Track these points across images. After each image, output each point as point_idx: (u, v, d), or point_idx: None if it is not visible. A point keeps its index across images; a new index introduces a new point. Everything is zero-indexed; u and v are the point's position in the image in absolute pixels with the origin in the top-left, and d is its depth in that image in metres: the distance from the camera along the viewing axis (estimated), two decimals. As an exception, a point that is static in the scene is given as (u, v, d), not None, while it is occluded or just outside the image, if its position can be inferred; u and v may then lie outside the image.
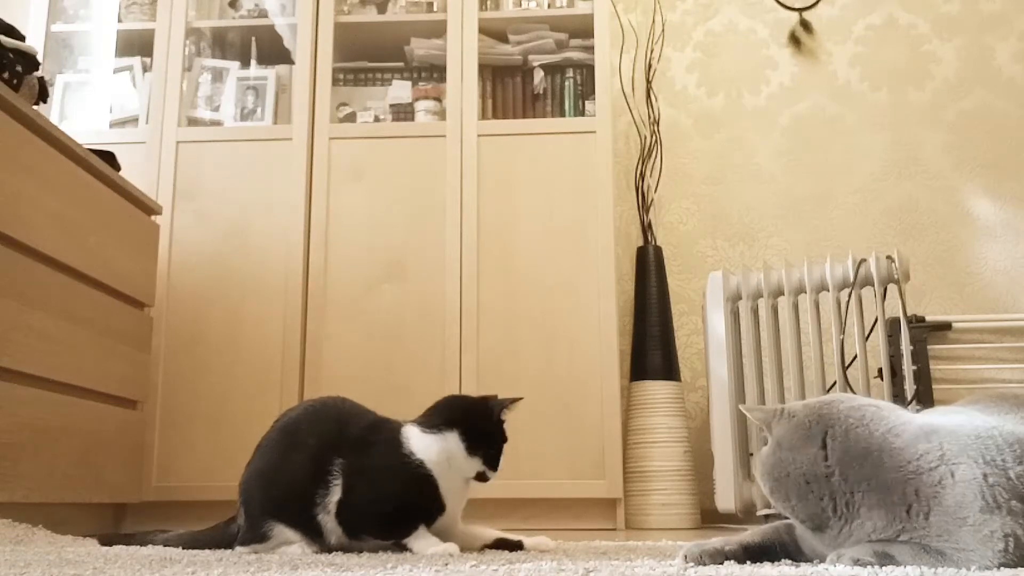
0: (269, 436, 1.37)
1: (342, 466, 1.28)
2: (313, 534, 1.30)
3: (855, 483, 0.96)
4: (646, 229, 3.00)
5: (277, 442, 1.35)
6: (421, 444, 1.29)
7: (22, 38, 2.03)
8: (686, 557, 1.04)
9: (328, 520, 1.28)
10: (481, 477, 1.32)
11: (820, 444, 0.99)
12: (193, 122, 2.84)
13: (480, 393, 1.40)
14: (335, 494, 1.28)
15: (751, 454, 2.42)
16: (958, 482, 0.93)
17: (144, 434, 2.38)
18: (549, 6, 2.91)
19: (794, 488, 0.98)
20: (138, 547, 1.40)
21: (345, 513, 1.28)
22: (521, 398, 1.38)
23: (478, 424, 1.32)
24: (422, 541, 1.27)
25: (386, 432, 1.32)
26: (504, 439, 1.34)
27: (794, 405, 1.05)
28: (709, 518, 2.72)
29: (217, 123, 2.85)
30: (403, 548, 1.28)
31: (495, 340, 2.58)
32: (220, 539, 1.38)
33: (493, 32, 2.89)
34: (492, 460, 1.32)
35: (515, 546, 1.34)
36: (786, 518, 1.05)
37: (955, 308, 2.97)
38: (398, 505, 1.27)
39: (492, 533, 1.36)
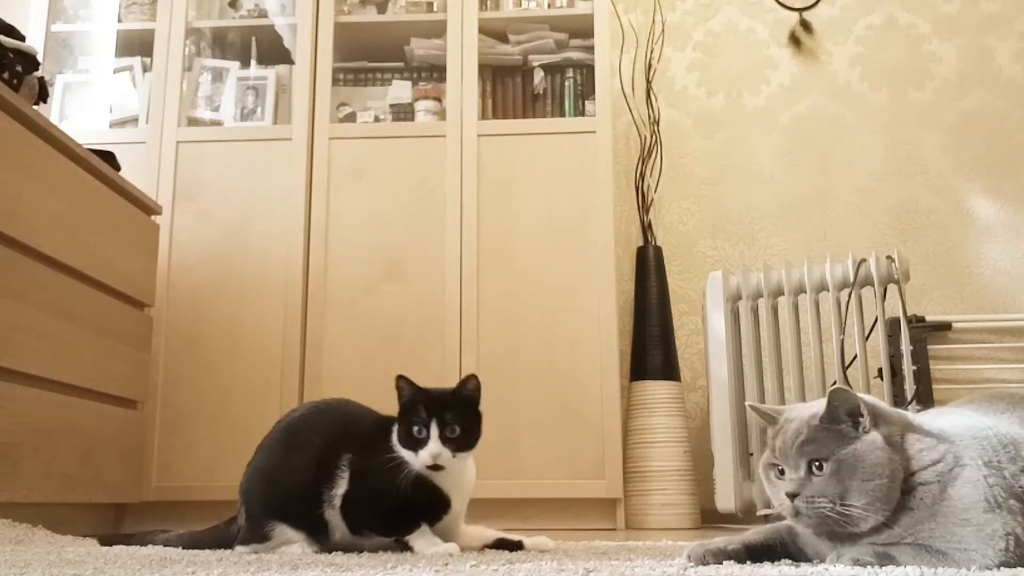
0: (271, 436, 1.37)
1: (349, 461, 1.29)
2: (316, 532, 1.30)
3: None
4: (646, 229, 3.00)
5: (279, 442, 1.35)
6: None
7: (22, 38, 2.03)
8: (690, 556, 1.04)
9: (333, 515, 1.28)
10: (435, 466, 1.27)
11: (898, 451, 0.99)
12: (193, 122, 2.84)
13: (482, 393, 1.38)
14: (341, 488, 1.28)
15: (751, 454, 2.42)
16: (963, 484, 0.93)
17: (144, 434, 2.38)
18: (549, 6, 2.91)
19: (896, 491, 0.95)
20: (138, 547, 1.40)
21: (349, 508, 1.28)
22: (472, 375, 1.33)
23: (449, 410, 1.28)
24: (423, 540, 1.27)
25: (391, 430, 1.32)
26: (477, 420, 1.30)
27: (801, 407, 1.05)
28: (709, 518, 2.72)
29: (217, 123, 2.85)
30: (404, 546, 1.28)
31: (495, 340, 2.58)
32: (220, 539, 1.38)
33: (493, 32, 2.89)
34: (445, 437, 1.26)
35: (515, 546, 1.34)
36: (786, 518, 1.05)
37: (955, 308, 2.97)
38: (402, 503, 1.27)
39: (492, 533, 1.36)
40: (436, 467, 1.26)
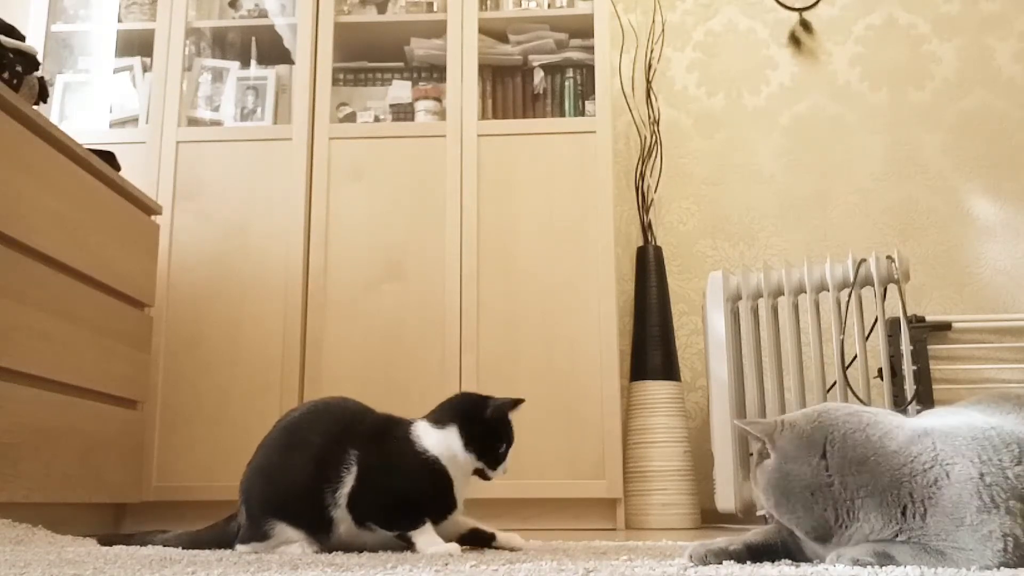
0: (271, 435, 1.37)
1: (357, 457, 1.30)
2: (316, 531, 1.30)
3: (854, 489, 0.96)
4: (646, 229, 3.00)
5: (279, 441, 1.35)
6: (430, 440, 1.32)
7: (22, 38, 2.03)
8: (691, 556, 1.04)
9: (339, 513, 1.29)
10: (481, 474, 1.35)
11: (821, 453, 0.99)
12: (193, 122, 2.84)
13: (482, 393, 1.40)
14: (347, 484, 1.28)
15: (751, 454, 2.41)
16: (954, 482, 0.93)
17: (144, 434, 2.38)
18: (549, 6, 2.91)
19: (799, 500, 0.98)
20: (138, 547, 1.40)
21: (356, 501, 1.28)
22: (523, 400, 1.39)
23: (474, 419, 1.34)
24: (425, 538, 1.28)
25: (398, 428, 1.34)
26: (505, 439, 1.35)
27: (793, 416, 1.05)
28: (709, 518, 2.72)
29: (217, 123, 2.85)
30: (406, 541, 1.29)
31: (495, 340, 2.58)
32: (220, 538, 1.38)
33: (493, 32, 2.89)
34: (490, 458, 1.33)
35: (488, 538, 1.36)
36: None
37: (955, 308, 2.97)
38: (410, 498, 1.28)
39: (468, 522, 1.38)
40: (487, 477, 1.35)
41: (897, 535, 0.95)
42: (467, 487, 1.35)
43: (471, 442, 1.32)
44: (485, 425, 1.34)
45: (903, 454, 0.96)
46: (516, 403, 1.36)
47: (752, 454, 2.52)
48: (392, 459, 1.29)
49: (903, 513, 0.94)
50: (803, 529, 1.00)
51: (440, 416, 1.35)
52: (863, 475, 0.96)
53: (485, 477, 1.35)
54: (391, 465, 1.29)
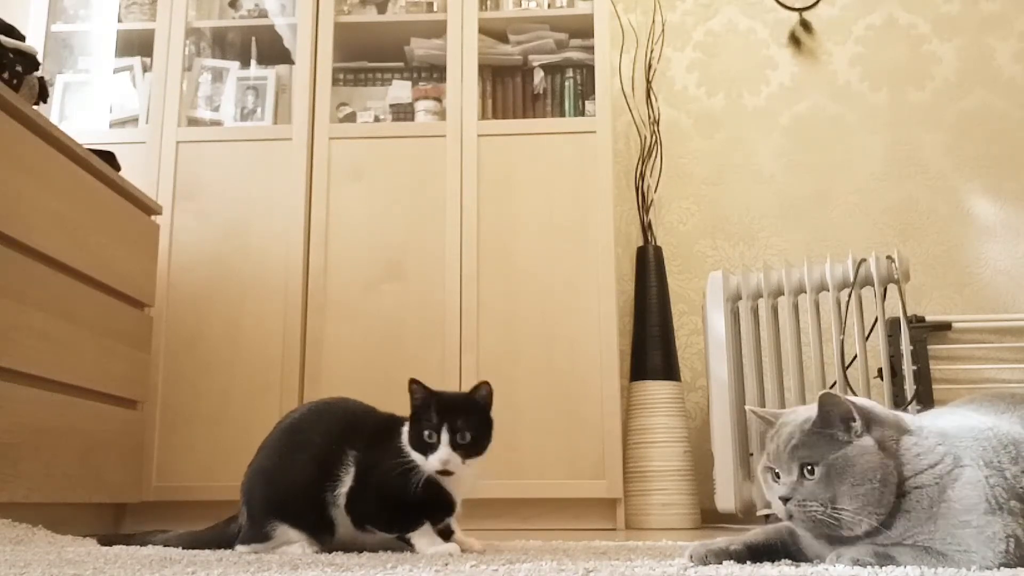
0: (272, 436, 1.37)
1: (355, 458, 1.29)
2: (317, 532, 1.30)
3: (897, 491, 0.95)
4: (646, 229, 3.00)
5: (280, 442, 1.35)
6: None
7: (22, 38, 2.03)
8: (692, 556, 1.04)
9: (338, 513, 1.29)
10: (444, 473, 1.28)
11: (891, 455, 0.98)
12: (193, 122, 2.84)
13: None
14: (346, 485, 1.28)
15: (751, 454, 2.42)
16: (964, 485, 0.93)
17: (144, 434, 2.38)
18: (549, 6, 2.91)
19: (889, 495, 0.96)
20: (138, 547, 1.40)
21: (354, 503, 1.28)
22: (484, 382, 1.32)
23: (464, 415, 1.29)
24: (425, 539, 1.27)
25: (399, 428, 1.32)
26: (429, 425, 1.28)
27: (802, 409, 1.05)
28: (709, 518, 2.72)
29: (217, 123, 2.85)
30: (406, 543, 1.28)
31: (495, 340, 2.58)
32: (220, 539, 1.38)
33: (493, 32, 2.89)
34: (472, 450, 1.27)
35: (449, 533, 1.33)
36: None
37: (955, 308, 2.97)
38: (407, 500, 1.27)
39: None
40: (445, 472, 1.26)
41: (906, 538, 0.94)
42: (465, 488, 1.33)
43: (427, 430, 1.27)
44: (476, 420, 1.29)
45: (933, 455, 0.96)
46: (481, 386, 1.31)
47: (752, 454, 2.52)
48: (389, 459, 1.28)
49: (909, 517, 0.94)
50: (868, 524, 0.94)
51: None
52: (907, 471, 0.95)
53: (447, 473, 1.27)
54: (389, 465, 1.28)
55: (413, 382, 1.29)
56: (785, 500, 0.98)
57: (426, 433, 1.25)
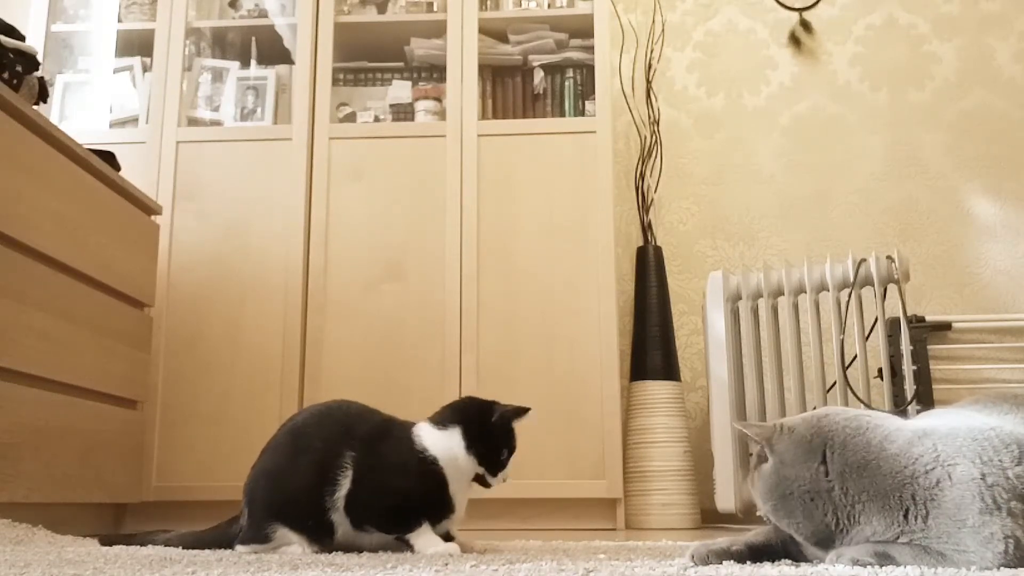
0: (276, 439, 1.37)
1: (353, 459, 1.29)
2: (317, 535, 1.30)
3: (855, 494, 0.96)
4: (646, 229, 3.00)
5: (284, 445, 1.35)
6: (431, 440, 1.31)
7: (22, 38, 2.03)
8: (693, 556, 1.04)
9: (338, 516, 1.29)
10: (481, 481, 1.33)
11: (820, 458, 0.99)
12: (193, 122, 2.84)
13: (479, 393, 1.40)
14: (344, 487, 1.28)
15: (751, 454, 2.42)
16: (956, 483, 0.93)
17: (144, 434, 2.38)
18: (549, 6, 2.91)
19: (799, 505, 0.98)
20: (138, 547, 1.40)
21: (353, 504, 1.28)
22: (529, 409, 1.37)
23: (478, 422, 1.32)
24: (424, 539, 1.27)
25: (398, 429, 1.33)
26: (507, 446, 1.33)
27: (792, 420, 1.05)
28: (709, 518, 2.72)
29: (217, 123, 2.85)
30: (405, 544, 1.28)
31: (495, 340, 2.58)
32: (222, 539, 1.38)
33: (493, 32, 2.89)
34: (491, 464, 1.32)
35: (449, 539, 1.34)
36: None
37: (955, 308, 2.97)
38: (406, 500, 1.27)
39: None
40: (487, 484, 1.33)
41: (899, 537, 0.94)
42: (467, 491, 1.33)
43: (472, 445, 1.31)
44: (489, 430, 1.33)
45: (904, 456, 0.96)
46: (521, 411, 1.35)
47: (752, 455, 2.53)
48: (388, 460, 1.28)
49: (905, 515, 0.94)
50: (802, 534, 1.00)
51: (443, 418, 1.34)
52: (864, 479, 0.96)
53: (485, 484, 1.33)
54: (387, 465, 1.28)
55: (496, 405, 1.36)
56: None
57: (505, 453, 1.33)
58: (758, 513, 1.07)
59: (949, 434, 0.98)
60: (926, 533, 0.93)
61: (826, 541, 0.99)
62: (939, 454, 0.95)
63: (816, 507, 0.97)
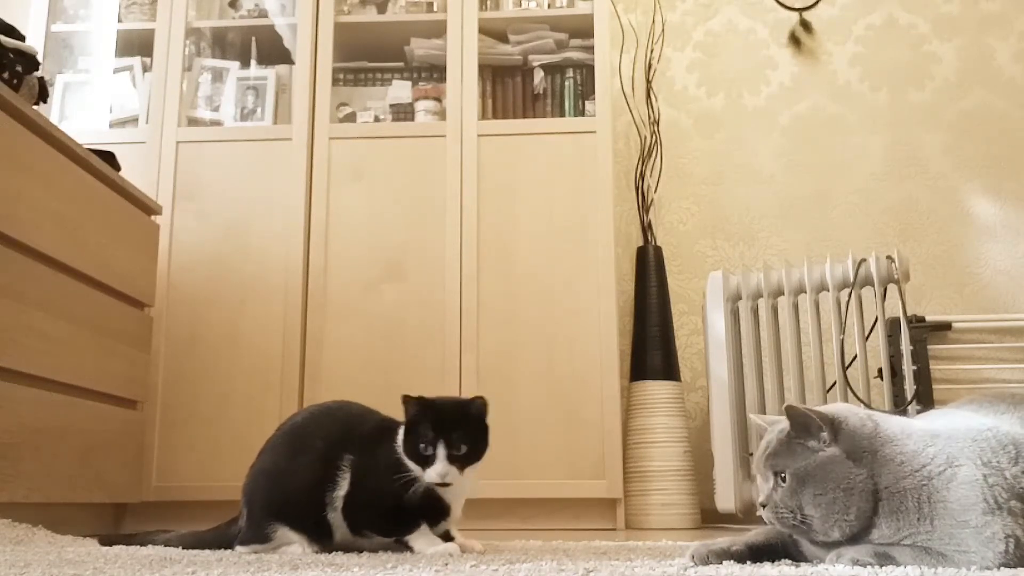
0: (274, 439, 1.37)
1: (351, 462, 1.29)
2: (317, 535, 1.30)
3: (884, 494, 0.95)
4: (646, 229, 3.00)
5: (282, 445, 1.35)
6: None
7: (22, 38, 2.03)
8: (693, 557, 1.04)
9: (336, 518, 1.29)
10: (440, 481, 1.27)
11: (871, 458, 0.98)
12: (193, 122, 2.84)
13: (479, 393, 1.38)
14: (342, 489, 1.28)
15: (751, 454, 2.42)
16: (961, 484, 0.93)
17: (144, 434, 2.38)
18: (549, 6, 2.91)
19: (855, 503, 0.96)
20: (138, 547, 1.40)
21: (350, 508, 1.28)
22: (480, 396, 1.32)
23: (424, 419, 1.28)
24: (423, 540, 1.27)
25: (396, 432, 1.32)
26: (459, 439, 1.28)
27: (841, 413, 1.04)
28: (709, 518, 2.72)
29: (217, 123, 2.85)
30: (404, 546, 1.28)
31: (495, 340, 2.58)
32: (221, 539, 1.38)
33: (493, 32, 2.89)
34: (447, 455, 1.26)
35: (448, 539, 1.33)
36: None
37: (955, 308, 2.97)
38: (402, 504, 1.27)
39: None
40: (443, 484, 1.26)
41: (903, 539, 0.94)
42: (462, 495, 1.32)
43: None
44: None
45: (918, 458, 0.96)
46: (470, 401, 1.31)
47: (752, 454, 2.52)
48: (384, 463, 1.28)
49: (918, 518, 0.94)
50: (843, 532, 0.96)
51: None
52: (888, 478, 0.96)
53: (445, 484, 1.27)
54: (383, 469, 1.27)
55: (406, 398, 1.29)
56: (763, 506, 1.02)
57: (422, 447, 1.25)
58: (758, 513, 1.06)
59: (952, 435, 0.98)
60: (931, 534, 0.93)
61: (852, 539, 0.98)
62: (949, 456, 0.95)
63: (867, 504, 0.96)
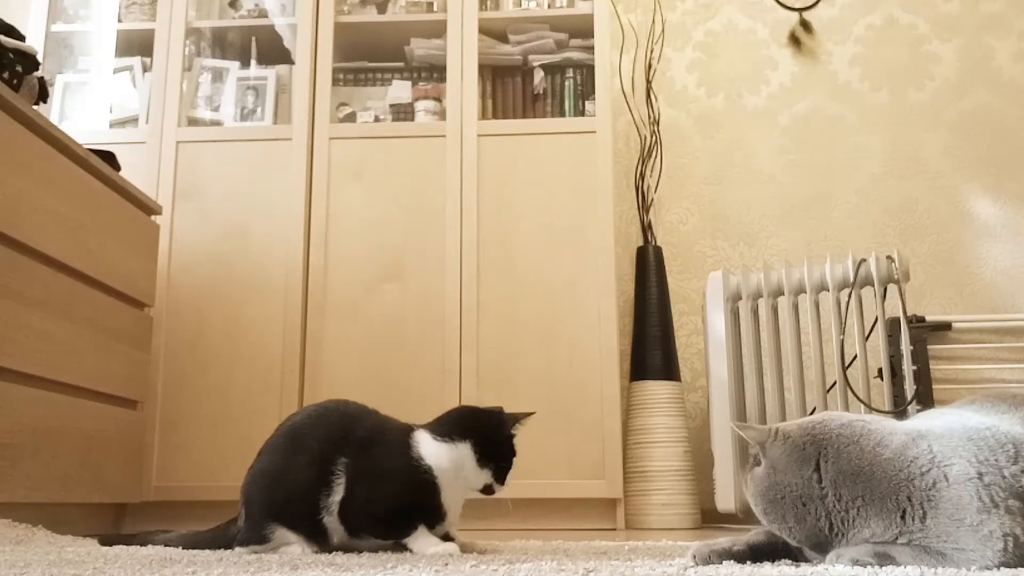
0: (272, 439, 1.36)
1: (346, 465, 1.28)
2: (316, 536, 1.30)
3: (849, 501, 0.96)
4: (646, 229, 3.00)
5: (280, 445, 1.34)
6: (431, 451, 1.29)
7: (22, 38, 2.03)
8: (695, 556, 1.04)
9: (332, 521, 1.28)
10: (488, 490, 1.31)
11: (814, 466, 0.99)
12: (193, 122, 2.84)
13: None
14: (338, 493, 1.28)
15: (752, 454, 2.42)
16: (953, 483, 0.93)
17: (144, 434, 2.38)
18: (549, 6, 2.91)
19: (791, 510, 0.99)
20: (138, 547, 1.40)
21: (347, 512, 1.28)
22: (533, 413, 1.38)
23: (491, 437, 1.31)
24: (422, 541, 1.27)
25: (394, 434, 1.32)
26: (514, 452, 1.33)
27: (787, 426, 1.05)
28: (709, 518, 2.72)
29: (217, 123, 2.85)
30: (403, 548, 1.28)
31: (495, 340, 2.58)
32: (221, 540, 1.38)
33: (493, 32, 2.89)
34: (501, 474, 1.31)
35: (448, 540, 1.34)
36: None
37: (955, 308, 2.97)
38: (399, 507, 1.27)
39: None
40: (492, 492, 1.32)
41: (897, 538, 0.95)
42: (461, 497, 1.32)
43: (485, 459, 1.30)
44: (503, 441, 1.32)
45: (899, 460, 0.96)
46: (527, 416, 1.37)
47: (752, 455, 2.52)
48: (382, 466, 1.27)
49: (902, 517, 0.94)
50: (795, 538, 1.00)
51: (447, 430, 1.31)
52: (858, 486, 0.96)
53: (491, 492, 1.32)
54: (380, 474, 1.27)
55: (501, 412, 1.36)
56: None
57: (511, 459, 1.32)
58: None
59: (944, 435, 0.98)
60: (925, 533, 0.93)
61: (821, 545, 0.99)
62: (935, 455, 0.95)
63: (808, 512, 0.98)
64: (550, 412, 2.53)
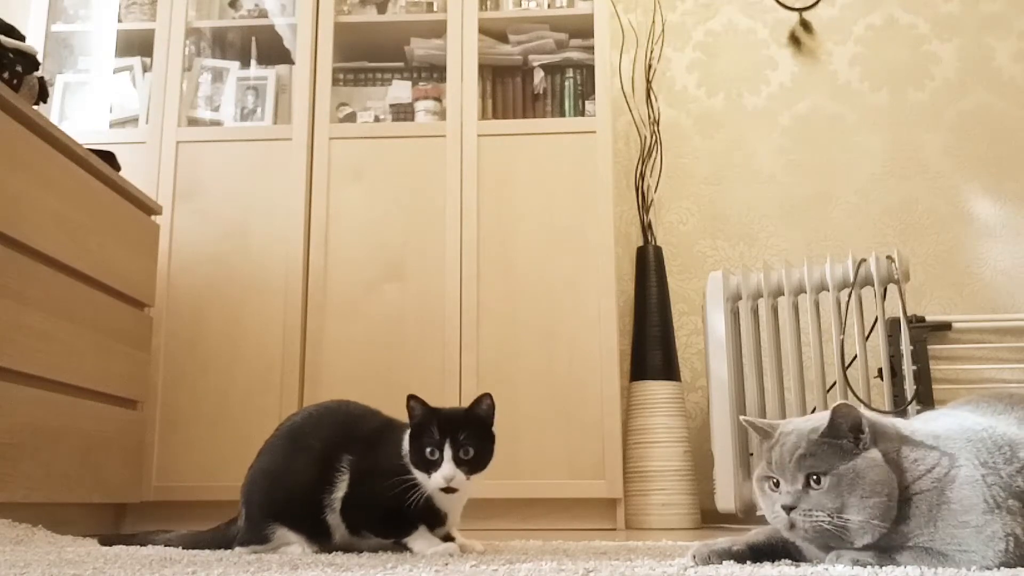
0: (273, 439, 1.37)
1: (350, 463, 1.28)
2: (317, 535, 1.30)
3: (907, 500, 0.95)
4: (646, 229, 3.00)
5: (281, 445, 1.34)
6: None
7: (22, 38, 2.03)
8: (695, 557, 1.04)
9: (334, 519, 1.28)
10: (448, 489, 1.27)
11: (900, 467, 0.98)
12: (193, 122, 2.84)
13: (480, 393, 1.36)
14: (340, 490, 1.28)
15: (751, 454, 2.42)
16: (961, 485, 0.93)
17: (144, 434, 2.38)
18: (549, 6, 2.91)
19: (901, 507, 0.95)
20: (138, 547, 1.40)
21: (349, 510, 1.28)
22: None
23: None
24: (422, 541, 1.27)
25: (397, 434, 1.31)
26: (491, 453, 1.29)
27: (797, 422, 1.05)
28: (709, 518, 2.72)
29: (217, 123, 2.85)
30: (404, 547, 1.28)
31: (495, 340, 2.58)
32: (221, 540, 1.38)
33: (493, 32, 2.89)
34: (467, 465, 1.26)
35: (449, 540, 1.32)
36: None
37: (955, 308, 2.97)
38: (400, 506, 1.27)
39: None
40: (449, 489, 1.24)
41: (907, 540, 0.94)
42: (462, 503, 1.32)
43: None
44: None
45: (927, 460, 0.96)
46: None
47: (752, 454, 2.52)
48: (383, 465, 1.27)
49: (926, 520, 0.94)
50: (873, 536, 0.94)
51: None
52: (906, 481, 0.95)
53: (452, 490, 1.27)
54: (381, 474, 1.27)
55: (412, 399, 1.27)
56: (788, 509, 0.98)
57: (428, 451, 1.23)
58: (758, 513, 1.06)
59: (947, 437, 0.98)
60: (932, 535, 0.93)
61: (823, 543, 0.98)
62: (950, 457, 0.95)
63: (897, 508, 0.94)
64: (550, 412, 2.53)
